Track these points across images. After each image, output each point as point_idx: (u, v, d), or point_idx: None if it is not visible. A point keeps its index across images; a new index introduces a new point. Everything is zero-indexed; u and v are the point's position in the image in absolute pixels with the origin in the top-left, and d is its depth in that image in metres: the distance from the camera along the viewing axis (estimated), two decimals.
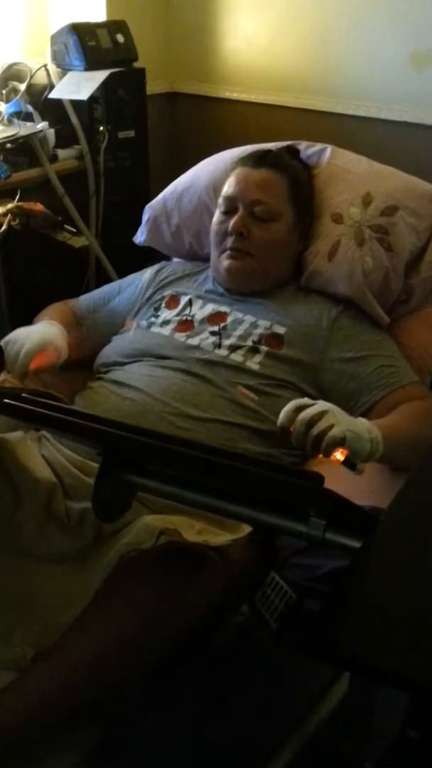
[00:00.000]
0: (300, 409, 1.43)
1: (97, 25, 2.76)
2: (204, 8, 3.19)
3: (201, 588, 1.28)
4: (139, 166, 2.96)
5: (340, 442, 1.38)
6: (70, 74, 2.71)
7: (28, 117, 2.65)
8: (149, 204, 2.18)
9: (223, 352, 1.73)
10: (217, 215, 1.89)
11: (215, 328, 1.78)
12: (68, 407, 1.33)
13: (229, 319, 1.80)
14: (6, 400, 1.24)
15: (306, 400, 1.46)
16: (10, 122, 2.62)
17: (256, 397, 1.65)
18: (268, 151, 1.94)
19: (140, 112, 2.91)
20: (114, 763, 1.26)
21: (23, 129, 2.57)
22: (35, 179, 2.62)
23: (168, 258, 2.19)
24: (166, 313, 1.86)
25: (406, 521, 1.01)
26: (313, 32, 2.95)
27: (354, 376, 1.72)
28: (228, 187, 1.87)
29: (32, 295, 2.19)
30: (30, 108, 2.66)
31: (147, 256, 2.23)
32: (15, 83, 2.71)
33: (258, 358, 1.72)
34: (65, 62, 2.72)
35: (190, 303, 1.86)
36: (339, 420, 1.41)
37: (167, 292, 1.92)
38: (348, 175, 1.96)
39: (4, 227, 2.38)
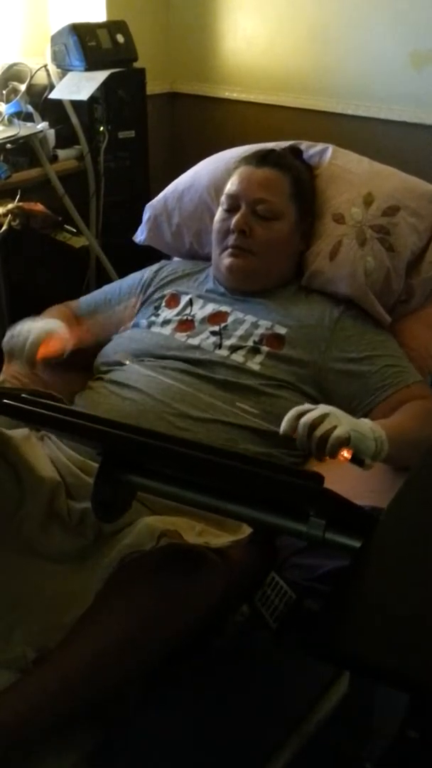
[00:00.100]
0: (301, 415, 1.43)
1: (98, 26, 2.76)
2: (204, 8, 3.19)
3: (201, 588, 1.28)
4: (139, 166, 2.96)
5: (345, 442, 1.38)
6: (70, 74, 2.71)
7: (28, 117, 2.65)
8: (150, 203, 2.18)
9: (224, 352, 1.73)
10: (219, 213, 1.89)
11: (216, 328, 1.78)
12: (68, 407, 1.33)
13: (229, 319, 1.80)
14: (6, 401, 1.24)
15: (306, 406, 1.46)
16: (10, 122, 2.62)
17: (256, 411, 1.65)
18: (272, 151, 1.94)
19: (140, 112, 2.91)
20: (114, 763, 1.26)
21: (23, 129, 2.58)
22: (35, 179, 2.62)
23: (168, 257, 2.19)
24: (166, 312, 1.86)
25: (406, 521, 1.01)
26: (313, 32, 2.95)
27: (358, 375, 1.72)
28: (231, 185, 1.87)
29: (32, 295, 2.19)
30: (30, 108, 2.67)
31: (147, 256, 2.23)
32: (15, 83, 2.71)
33: (259, 358, 1.72)
34: (65, 62, 2.72)
35: (190, 302, 1.86)
36: (341, 421, 1.41)
37: (167, 291, 1.92)
38: (349, 176, 1.96)
39: (4, 227, 2.38)
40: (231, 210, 1.85)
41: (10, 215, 2.40)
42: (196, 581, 1.28)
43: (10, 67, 2.75)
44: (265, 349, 1.73)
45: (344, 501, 1.01)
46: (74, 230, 2.70)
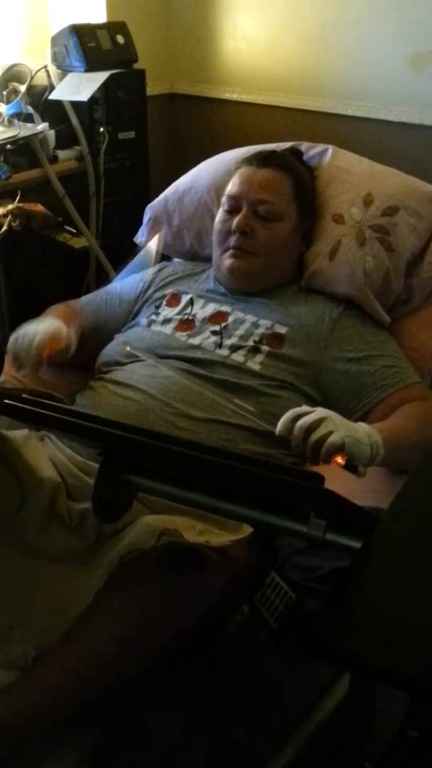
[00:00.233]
0: (298, 417, 1.44)
1: (98, 27, 2.76)
2: (204, 9, 3.20)
3: (201, 588, 1.29)
4: (139, 167, 2.96)
5: (340, 448, 1.39)
6: (70, 75, 2.71)
7: (28, 118, 2.65)
8: (150, 204, 2.18)
9: (224, 352, 1.73)
10: (220, 214, 1.89)
11: (216, 328, 1.78)
12: (68, 408, 1.33)
13: (230, 319, 1.80)
14: (6, 401, 1.25)
15: (304, 408, 1.47)
16: (10, 123, 2.62)
17: (252, 409, 1.65)
18: (272, 152, 1.94)
19: (140, 113, 2.92)
20: (114, 763, 1.26)
21: (23, 130, 2.58)
22: (35, 180, 2.62)
23: (169, 258, 2.19)
24: (166, 311, 1.86)
25: (406, 521, 1.01)
26: (313, 33, 2.95)
27: (356, 375, 1.72)
28: (232, 186, 1.87)
29: (32, 295, 2.19)
30: (30, 109, 2.67)
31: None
32: (15, 84, 2.71)
33: (259, 358, 1.72)
34: (65, 63, 2.72)
35: (191, 302, 1.87)
36: (337, 426, 1.42)
37: (168, 291, 1.93)
38: (349, 176, 1.97)
39: (4, 228, 2.38)
40: (232, 211, 1.85)
41: (10, 216, 2.40)
42: (197, 580, 1.28)
43: (11, 67, 2.75)
44: (265, 348, 1.73)
45: (345, 501, 1.01)
46: (74, 231, 2.70)
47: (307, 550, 1.39)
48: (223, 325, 1.79)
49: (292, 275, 1.91)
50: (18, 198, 2.45)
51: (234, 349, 1.74)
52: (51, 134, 2.67)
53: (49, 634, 1.31)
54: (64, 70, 2.74)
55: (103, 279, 2.76)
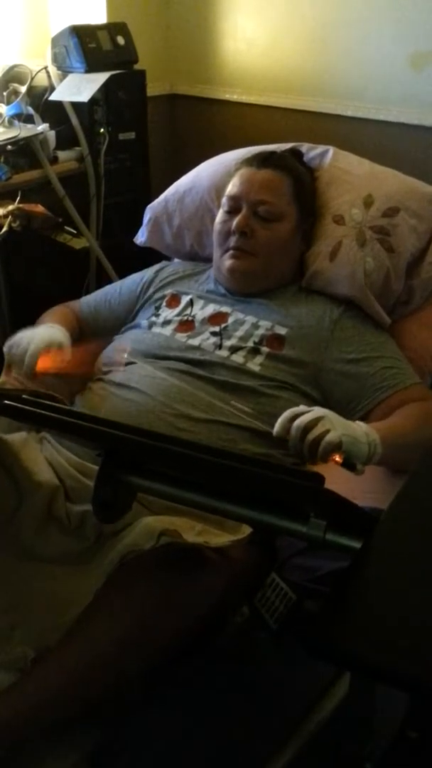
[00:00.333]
0: (295, 417, 1.44)
1: (98, 27, 2.76)
2: (204, 10, 3.20)
3: (201, 588, 1.29)
4: (139, 167, 2.96)
5: (337, 447, 1.39)
6: (70, 76, 2.71)
7: (28, 119, 2.65)
8: (150, 205, 2.18)
9: (224, 353, 1.73)
10: (220, 215, 1.89)
11: (216, 329, 1.79)
12: (68, 408, 1.34)
13: (230, 320, 1.80)
14: (6, 402, 1.25)
15: (301, 408, 1.47)
16: (10, 124, 2.62)
17: (249, 410, 1.65)
18: (272, 152, 1.94)
19: (141, 113, 2.92)
20: (114, 763, 1.26)
21: (24, 131, 2.57)
22: (36, 181, 2.62)
23: (169, 259, 2.20)
24: (166, 312, 1.86)
25: (406, 522, 1.01)
26: (313, 34, 2.95)
27: (356, 376, 1.72)
28: (232, 187, 1.87)
29: (33, 296, 2.19)
30: (30, 110, 2.66)
31: (147, 258, 2.23)
32: (16, 85, 2.71)
33: (259, 359, 1.72)
34: (66, 64, 2.72)
35: (191, 303, 1.87)
36: (335, 425, 1.42)
37: (168, 292, 1.93)
38: (350, 177, 1.97)
39: (4, 229, 2.38)
40: (232, 211, 1.85)
41: (10, 216, 2.39)
42: (196, 580, 1.28)
43: (11, 68, 2.75)
44: (265, 349, 1.73)
45: (345, 502, 1.01)
46: (74, 232, 2.70)
47: (307, 550, 1.39)
48: (223, 326, 1.79)
49: (293, 276, 1.91)
50: (18, 199, 2.45)
51: (234, 350, 1.74)
52: (51, 135, 2.66)
53: (49, 634, 1.31)
54: (65, 70, 2.74)
55: (104, 280, 2.77)
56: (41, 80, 2.74)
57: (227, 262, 1.84)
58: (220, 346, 1.75)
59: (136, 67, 2.86)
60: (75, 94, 2.65)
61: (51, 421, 1.24)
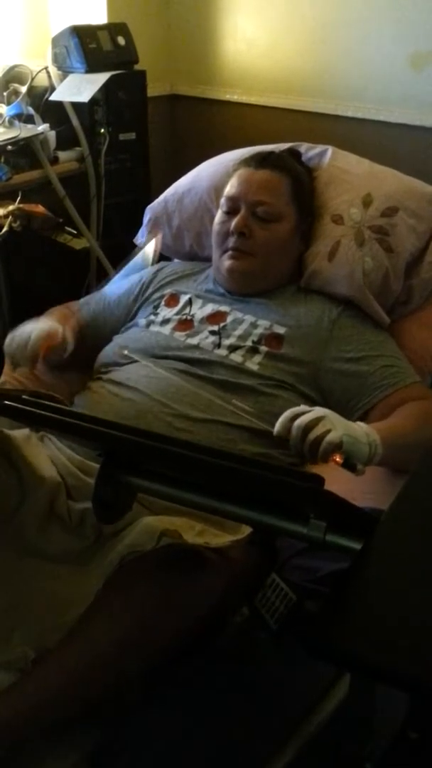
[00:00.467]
0: (295, 417, 1.44)
1: (98, 28, 2.77)
2: (204, 11, 3.20)
3: (201, 588, 1.29)
4: (139, 168, 2.96)
5: (337, 447, 1.39)
6: (71, 76, 2.71)
7: (29, 119, 2.65)
8: (150, 205, 2.19)
9: (223, 352, 1.73)
10: (219, 215, 1.89)
11: (215, 328, 1.79)
12: (69, 409, 1.34)
13: (228, 319, 1.80)
14: (6, 402, 1.25)
15: (302, 408, 1.47)
16: (11, 124, 2.63)
17: (250, 409, 1.65)
18: (271, 153, 1.94)
19: (141, 114, 2.92)
20: (114, 763, 1.26)
21: (24, 131, 2.58)
22: (36, 181, 2.63)
23: (168, 259, 2.20)
24: (165, 312, 1.86)
25: (406, 522, 1.01)
26: (313, 34, 2.96)
27: (356, 375, 1.72)
28: (230, 188, 1.87)
29: (33, 296, 2.19)
30: (31, 110, 2.67)
31: None
32: (16, 85, 2.72)
33: (257, 358, 1.72)
34: (66, 64, 2.73)
35: (189, 302, 1.87)
36: (335, 425, 1.42)
37: (167, 291, 1.93)
38: (349, 177, 1.97)
39: (5, 229, 2.38)
40: (230, 212, 1.85)
41: (10, 217, 2.40)
42: (196, 581, 1.28)
43: (11, 69, 2.75)
44: (263, 348, 1.73)
45: (345, 503, 1.01)
46: (75, 232, 2.71)
47: (307, 551, 1.39)
48: (222, 325, 1.79)
49: (292, 276, 1.91)
50: (19, 199, 2.45)
51: (232, 349, 1.74)
52: (52, 135, 2.67)
53: (49, 634, 1.31)
54: (65, 71, 2.74)
55: (104, 280, 2.76)
56: (41, 80, 2.74)
57: (226, 263, 1.84)
58: (218, 345, 1.75)
59: (137, 67, 2.86)
60: (75, 95, 2.66)
61: (51, 421, 1.24)
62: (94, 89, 2.63)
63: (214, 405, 1.64)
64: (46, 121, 2.67)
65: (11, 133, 2.55)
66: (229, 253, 1.84)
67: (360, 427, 1.46)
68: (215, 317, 1.81)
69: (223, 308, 1.83)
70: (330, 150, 2.04)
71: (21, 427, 1.60)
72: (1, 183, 2.46)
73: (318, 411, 1.45)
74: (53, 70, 2.77)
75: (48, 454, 1.55)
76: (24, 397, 1.26)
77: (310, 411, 1.45)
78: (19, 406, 1.22)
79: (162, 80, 3.27)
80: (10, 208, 2.42)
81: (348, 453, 1.40)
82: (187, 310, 1.85)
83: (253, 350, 1.73)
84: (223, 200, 1.88)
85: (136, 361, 1.76)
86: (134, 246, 2.23)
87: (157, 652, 1.26)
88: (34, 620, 1.35)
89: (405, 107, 2.79)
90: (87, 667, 1.24)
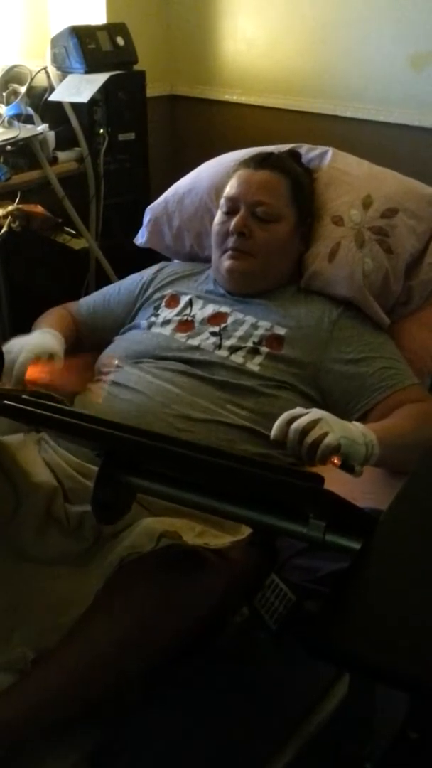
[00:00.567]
0: (292, 420, 1.44)
1: (98, 28, 2.76)
2: (204, 11, 3.20)
3: (201, 589, 1.29)
4: (139, 168, 2.96)
5: (335, 450, 1.39)
6: (70, 77, 2.71)
7: (28, 119, 2.65)
8: (150, 206, 2.19)
9: (224, 353, 1.73)
10: (218, 216, 1.89)
11: (216, 329, 1.79)
12: (68, 409, 1.34)
13: (229, 320, 1.80)
14: (6, 402, 1.25)
15: (298, 410, 1.47)
16: (10, 124, 2.62)
17: (255, 412, 1.65)
18: (271, 154, 1.95)
19: (140, 114, 2.92)
20: (114, 763, 1.26)
21: (23, 131, 2.58)
22: (35, 181, 2.62)
23: (169, 260, 2.20)
24: (166, 313, 1.86)
25: (405, 522, 1.01)
26: (312, 34, 2.95)
27: (355, 377, 1.72)
28: (230, 188, 1.88)
29: (32, 297, 2.19)
30: (30, 110, 2.66)
31: (147, 259, 2.24)
32: (15, 86, 2.71)
33: (258, 359, 1.72)
34: (65, 65, 2.72)
35: (190, 303, 1.87)
36: (332, 427, 1.42)
37: (167, 292, 1.93)
38: (349, 178, 1.97)
39: (4, 229, 2.38)
40: (230, 213, 1.86)
41: (9, 217, 2.39)
42: (196, 581, 1.28)
43: (10, 69, 2.75)
44: (264, 349, 1.73)
45: (344, 502, 1.01)
46: (74, 232, 2.70)
47: (307, 551, 1.39)
48: (223, 326, 1.79)
49: (292, 276, 1.91)
50: (18, 199, 2.45)
51: (233, 350, 1.74)
52: (51, 135, 2.67)
53: (49, 635, 1.31)
54: (64, 71, 2.74)
55: (103, 280, 2.77)
56: (41, 81, 2.74)
57: (226, 263, 1.85)
58: (219, 346, 1.75)
59: (136, 67, 2.86)
60: (75, 95, 2.65)
61: (51, 421, 1.24)
62: (94, 89, 2.63)
63: (214, 405, 1.64)
64: (46, 122, 2.67)
65: (10, 134, 2.55)
66: (229, 253, 1.84)
67: (356, 428, 1.46)
68: (216, 318, 1.81)
69: (224, 309, 1.83)
70: (330, 151, 2.05)
71: (19, 431, 1.60)
72: (0, 183, 2.46)
73: (315, 413, 1.45)
74: (52, 71, 2.76)
75: (45, 458, 1.55)
76: (24, 397, 1.26)
77: (306, 413, 1.45)
78: (19, 405, 1.22)
79: (161, 80, 3.27)
80: (10, 208, 2.41)
81: (346, 455, 1.40)
82: (187, 311, 1.85)
83: (254, 351, 1.73)
84: (222, 201, 1.89)
85: (136, 362, 1.76)
86: (134, 246, 2.23)
87: (157, 652, 1.26)
88: (33, 621, 1.35)
89: (405, 108, 2.78)
90: (87, 667, 1.24)
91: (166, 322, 1.83)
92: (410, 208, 1.92)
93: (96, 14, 2.90)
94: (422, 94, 2.75)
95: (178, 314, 1.85)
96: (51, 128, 2.68)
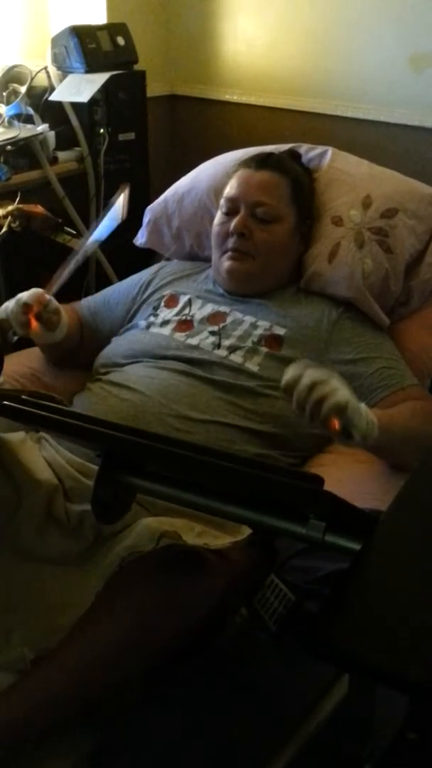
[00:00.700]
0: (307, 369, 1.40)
1: (98, 28, 2.76)
2: (204, 11, 3.20)
3: (201, 589, 1.29)
4: (139, 168, 2.96)
5: (342, 409, 1.35)
6: (70, 76, 2.71)
7: (28, 119, 2.65)
8: (150, 206, 2.19)
9: (223, 352, 1.73)
10: (218, 216, 1.89)
11: (214, 328, 1.79)
12: (68, 409, 1.34)
13: (228, 320, 1.80)
14: (6, 402, 1.25)
15: (314, 365, 1.43)
16: (10, 124, 2.62)
17: (254, 412, 1.64)
18: (270, 154, 1.95)
19: (140, 114, 2.92)
20: (114, 763, 1.26)
21: (23, 131, 2.58)
22: (35, 181, 2.62)
23: (168, 260, 2.20)
24: (165, 312, 1.86)
25: (406, 522, 1.01)
26: (312, 35, 2.95)
27: (354, 377, 1.72)
28: (230, 189, 1.88)
29: None
30: (30, 110, 2.67)
31: (147, 259, 2.24)
32: (15, 85, 2.71)
33: (257, 359, 1.72)
34: (66, 65, 2.72)
35: (189, 303, 1.87)
36: (343, 388, 1.38)
37: (167, 292, 1.93)
38: (348, 178, 1.97)
39: (4, 229, 2.38)
40: (230, 213, 1.86)
41: (9, 217, 2.39)
42: (196, 582, 1.28)
43: (11, 69, 2.75)
44: (263, 349, 1.73)
45: (344, 503, 1.01)
46: (74, 232, 2.69)
47: (307, 551, 1.39)
48: (222, 325, 1.79)
49: (291, 277, 1.91)
50: (18, 199, 2.45)
51: (232, 349, 1.74)
52: (51, 135, 2.67)
53: (49, 635, 1.31)
54: (65, 71, 2.74)
55: (103, 280, 2.77)
56: (41, 80, 2.74)
57: (226, 264, 1.85)
58: (218, 346, 1.75)
59: (136, 67, 2.86)
60: (75, 95, 2.66)
61: (50, 421, 1.24)
62: (94, 89, 2.63)
63: (213, 405, 1.64)
64: (46, 121, 2.67)
65: (10, 133, 2.55)
66: (229, 253, 1.84)
67: (361, 405, 1.45)
68: (215, 318, 1.81)
69: (223, 309, 1.83)
70: (330, 151, 2.05)
71: (19, 430, 1.60)
72: (0, 183, 2.46)
73: (329, 371, 1.41)
74: (53, 70, 2.76)
75: (45, 457, 1.55)
76: (23, 397, 1.26)
77: (322, 369, 1.42)
78: (19, 406, 1.22)
79: (161, 80, 3.27)
80: (10, 208, 2.41)
81: (348, 420, 1.37)
82: (186, 311, 1.85)
83: (253, 351, 1.73)
84: (222, 201, 1.89)
85: (135, 362, 1.76)
86: (134, 246, 2.23)
87: (157, 652, 1.26)
88: (33, 621, 1.35)
89: (405, 108, 2.79)
90: (87, 667, 1.24)
91: (165, 323, 1.83)
92: (410, 208, 1.92)
93: (96, 14, 2.91)
94: (422, 95, 2.75)
95: (177, 314, 1.85)
96: (51, 128, 2.68)
